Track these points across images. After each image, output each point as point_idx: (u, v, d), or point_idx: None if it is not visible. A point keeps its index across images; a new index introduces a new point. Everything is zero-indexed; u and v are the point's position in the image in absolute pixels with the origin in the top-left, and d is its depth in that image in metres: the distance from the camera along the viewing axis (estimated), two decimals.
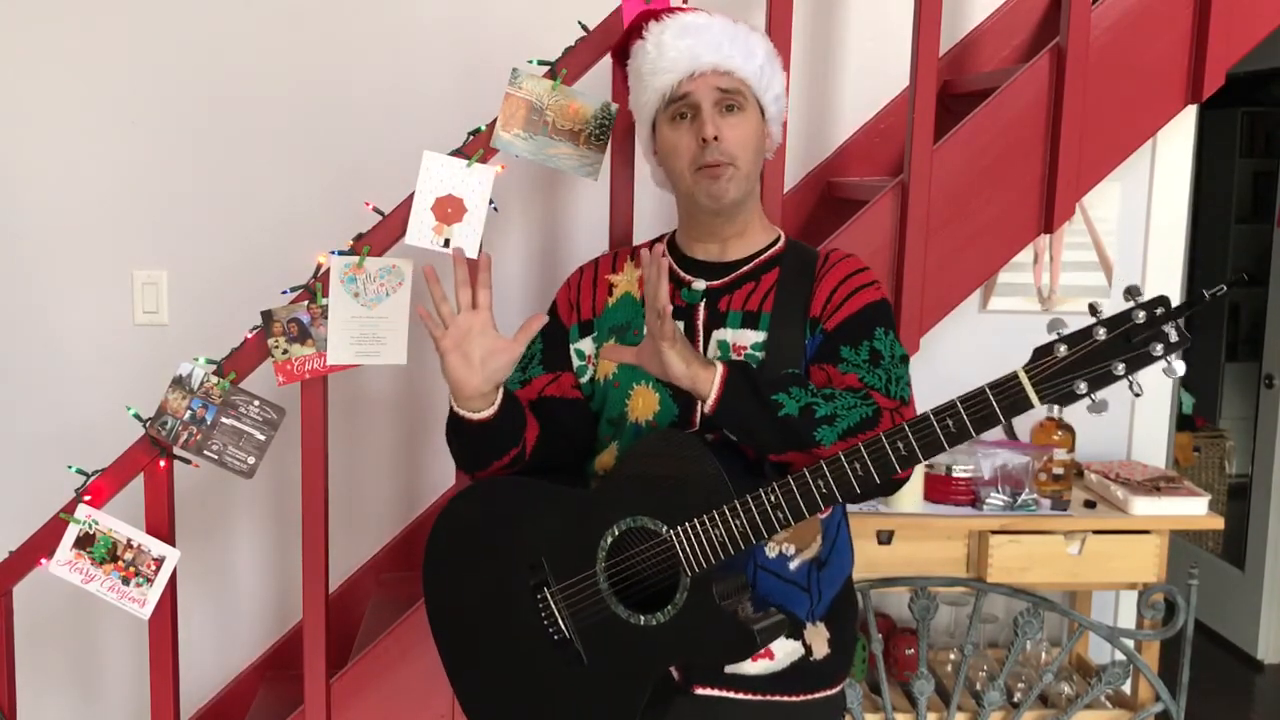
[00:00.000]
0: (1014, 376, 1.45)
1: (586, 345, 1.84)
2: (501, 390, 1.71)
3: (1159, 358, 1.39)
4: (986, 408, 1.46)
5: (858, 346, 1.69)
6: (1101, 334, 1.40)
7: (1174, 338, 1.39)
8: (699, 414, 1.71)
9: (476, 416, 1.70)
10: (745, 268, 1.78)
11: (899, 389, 1.68)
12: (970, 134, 2.32)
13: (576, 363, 1.84)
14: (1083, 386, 1.42)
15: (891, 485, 1.63)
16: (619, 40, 1.94)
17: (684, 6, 1.82)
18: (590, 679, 1.69)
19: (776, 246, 1.81)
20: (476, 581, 1.80)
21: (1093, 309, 1.44)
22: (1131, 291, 1.41)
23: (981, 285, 2.56)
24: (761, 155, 1.77)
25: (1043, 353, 1.44)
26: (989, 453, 2.56)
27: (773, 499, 1.56)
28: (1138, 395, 1.42)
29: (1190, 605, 2.56)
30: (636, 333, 1.77)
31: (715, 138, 1.68)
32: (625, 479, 1.68)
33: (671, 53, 1.71)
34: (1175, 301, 1.41)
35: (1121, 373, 1.41)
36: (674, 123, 1.73)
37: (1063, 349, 1.42)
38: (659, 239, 1.89)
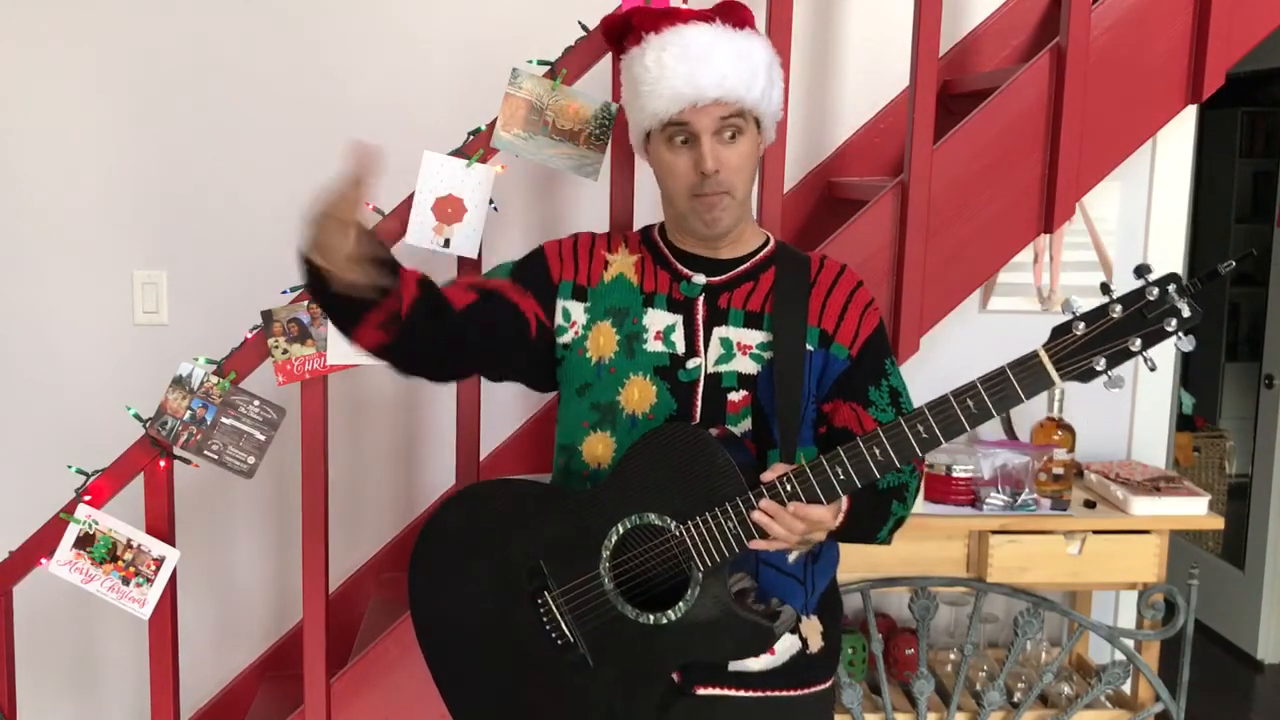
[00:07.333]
0: (1034, 355, 1.47)
1: (577, 311, 1.77)
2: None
3: (1173, 333, 1.42)
4: (1007, 387, 1.48)
5: (879, 385, 1.71)
6: (1117, 311, 1.43)
7: (1186, 313, 1.42)
8: (698, 407, 1.70)
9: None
10: (743, 266, 1.76)
11: None
12: (970, 134, 2.32)
13: (559, 321, 1.77)
14: (1101, 363, 1.44)
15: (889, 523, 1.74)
16: (613, 22, 1.87)
17: (687, 9, 1.74)
18: (598, 681, 1.68)
19: (769, 248, 1.79)
20: (470, 591, 1.77)
21: (1105, 288, 1.47)
22: (1142, 270, 1.44)
23: (981, 285, 2.55)
24: (756, 169, 1.74)
25: (1061, 331, 1.46)
26: (989, 453, 2.56)
27: (789, 488, 1.55)
28: (1153, 370, 1.47)
29: (1190, 605, 2.56)
30: (635, 320, 1.74)
31: (716, 171, 1.65)
32: (628, 475, 1.65)
33: (673, 79, 1.64)
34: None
35: (1138, 348, 1.44)
36: (671, 144, 1.68)
37: (1081, 327, 1.45)
38: (646, 229, 1.84)
